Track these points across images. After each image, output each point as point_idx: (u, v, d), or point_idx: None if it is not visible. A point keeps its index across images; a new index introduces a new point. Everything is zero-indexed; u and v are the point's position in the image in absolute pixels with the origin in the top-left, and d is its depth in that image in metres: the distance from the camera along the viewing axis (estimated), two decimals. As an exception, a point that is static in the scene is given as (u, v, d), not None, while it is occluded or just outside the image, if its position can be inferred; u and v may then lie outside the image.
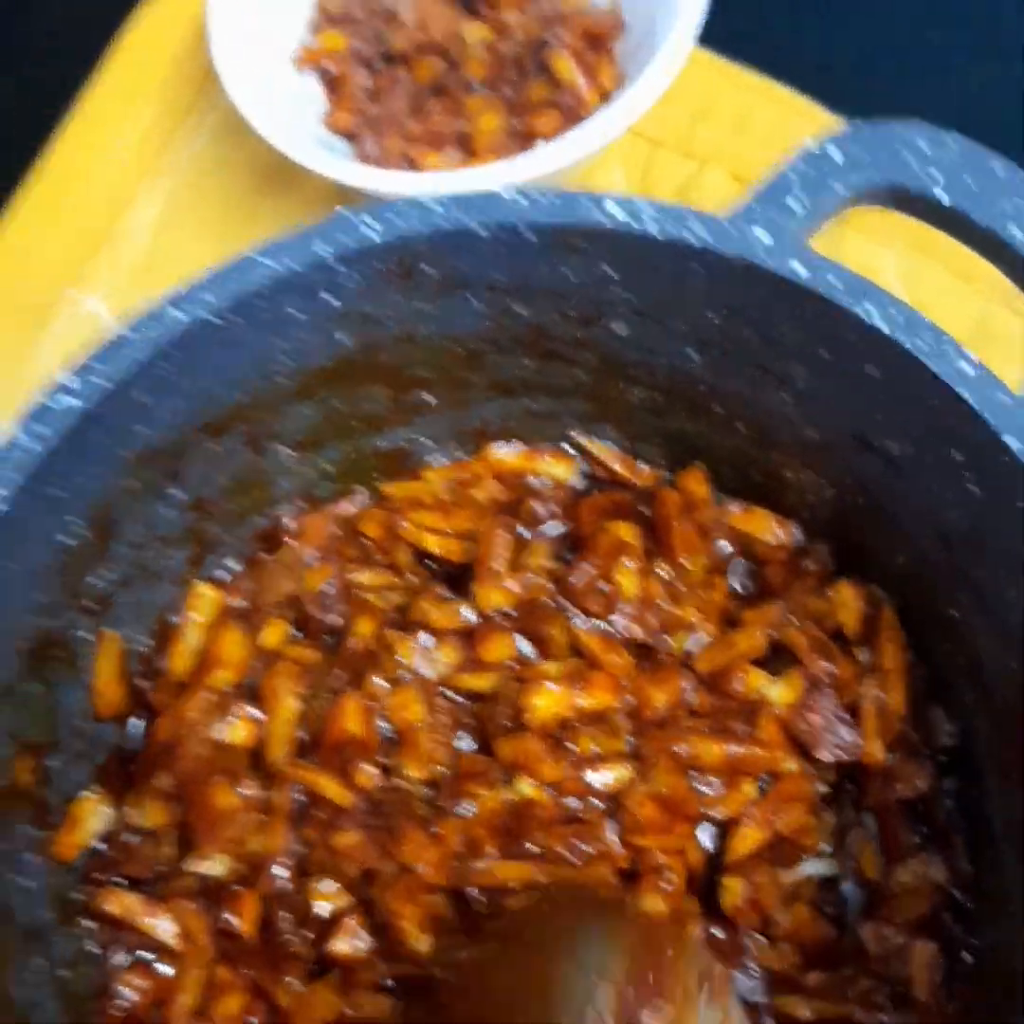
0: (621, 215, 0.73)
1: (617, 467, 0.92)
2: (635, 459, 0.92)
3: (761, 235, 0.71)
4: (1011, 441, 0.66)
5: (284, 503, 0.91)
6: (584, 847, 0.74)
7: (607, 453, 0.92)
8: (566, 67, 1.01)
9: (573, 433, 0.93)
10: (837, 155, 0.75)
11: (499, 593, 0.83)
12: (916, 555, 0.81)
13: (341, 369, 0.83)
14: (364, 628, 0.83)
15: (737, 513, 0.88)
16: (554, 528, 0.88)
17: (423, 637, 0.82)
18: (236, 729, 0.80)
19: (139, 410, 0.75)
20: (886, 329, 0.69)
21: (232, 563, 0.91)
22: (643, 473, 0.92)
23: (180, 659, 0.87)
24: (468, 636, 0.82)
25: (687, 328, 0.79)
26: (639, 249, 0.73)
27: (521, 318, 0.82)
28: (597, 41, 1.05)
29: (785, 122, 1.13)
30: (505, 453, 0.93)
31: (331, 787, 0.76)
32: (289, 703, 0.80)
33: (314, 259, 0.73)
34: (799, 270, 0.70)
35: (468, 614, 0.83)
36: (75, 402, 0.71)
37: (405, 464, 0.94)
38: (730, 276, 0.73)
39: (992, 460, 0.68)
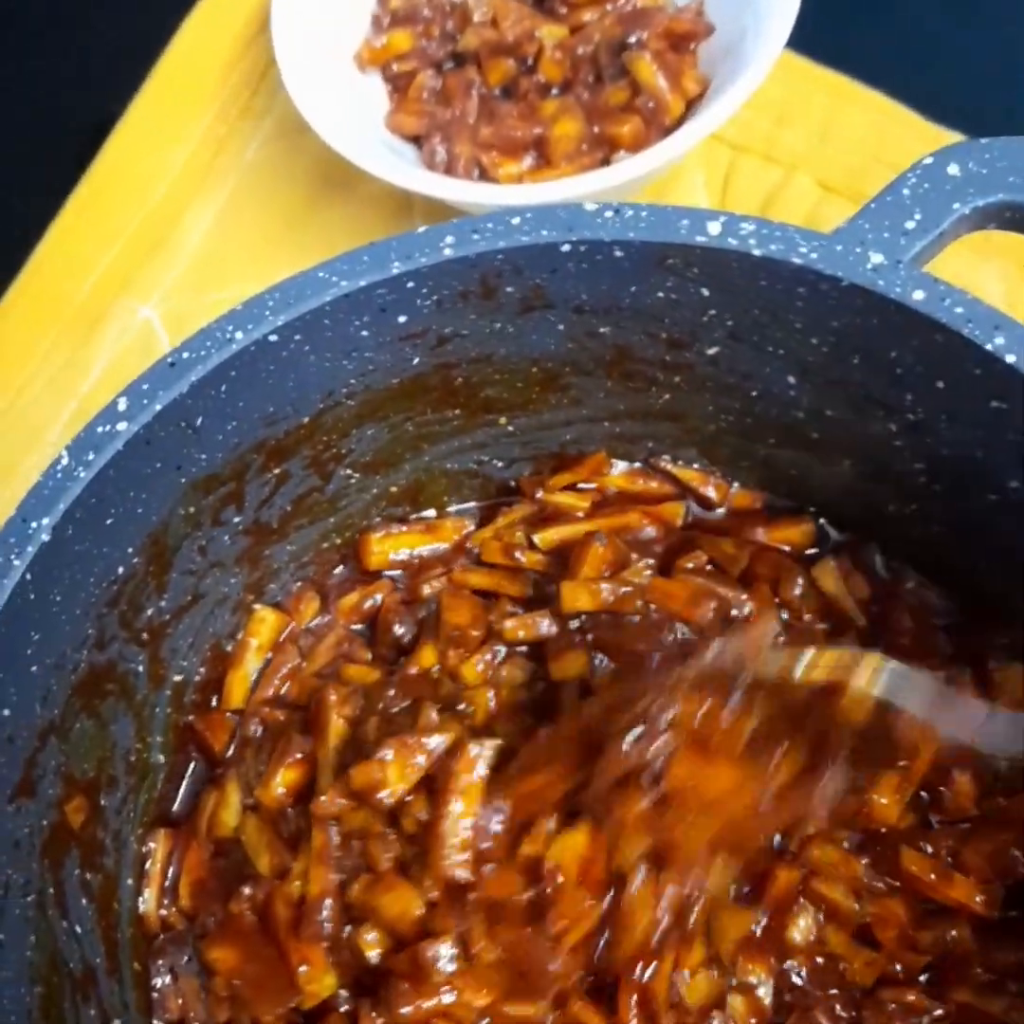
0: (718, 232, 0.67)
1: (708, 491, 0.86)
2: (726, 483, 0.87)
3: (873, 256, 0.66)
4: None
5: (348, 525, 0.87)
6: None
7: (694, 476, 0.87)
8: (647, 70, 0.95)
9: (658, 457, 0.87)
10: (956, 170, 0.69)
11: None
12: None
13: (412, 390, 0.78)
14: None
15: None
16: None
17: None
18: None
19: (195, 434, 0.70)
20: (1016, 362, 0.63)
21: (294, 586, 0.87)
22: (735, 495, 0.87)
23: (239, 686, 0.84)
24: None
25: (787, 352, 0.73)
26: (738, 269, 0.68)
27: (606, 339, 0.76)
28: (680, 42, 0.98)
29: (875, 128, 1.07)
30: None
31: None
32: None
33: (388, 278, 0.68)
34: (916, 296, 0.65)
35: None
36: (127, 426, 0.66)
37: (473, 484, 0.89)
38: (838, 300, 0.67)
39: None
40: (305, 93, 0.96)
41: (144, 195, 1.12)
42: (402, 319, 0.72)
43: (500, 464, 0.88)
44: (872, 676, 0.64)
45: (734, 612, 0.79)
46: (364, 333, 0.72)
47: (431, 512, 0.89)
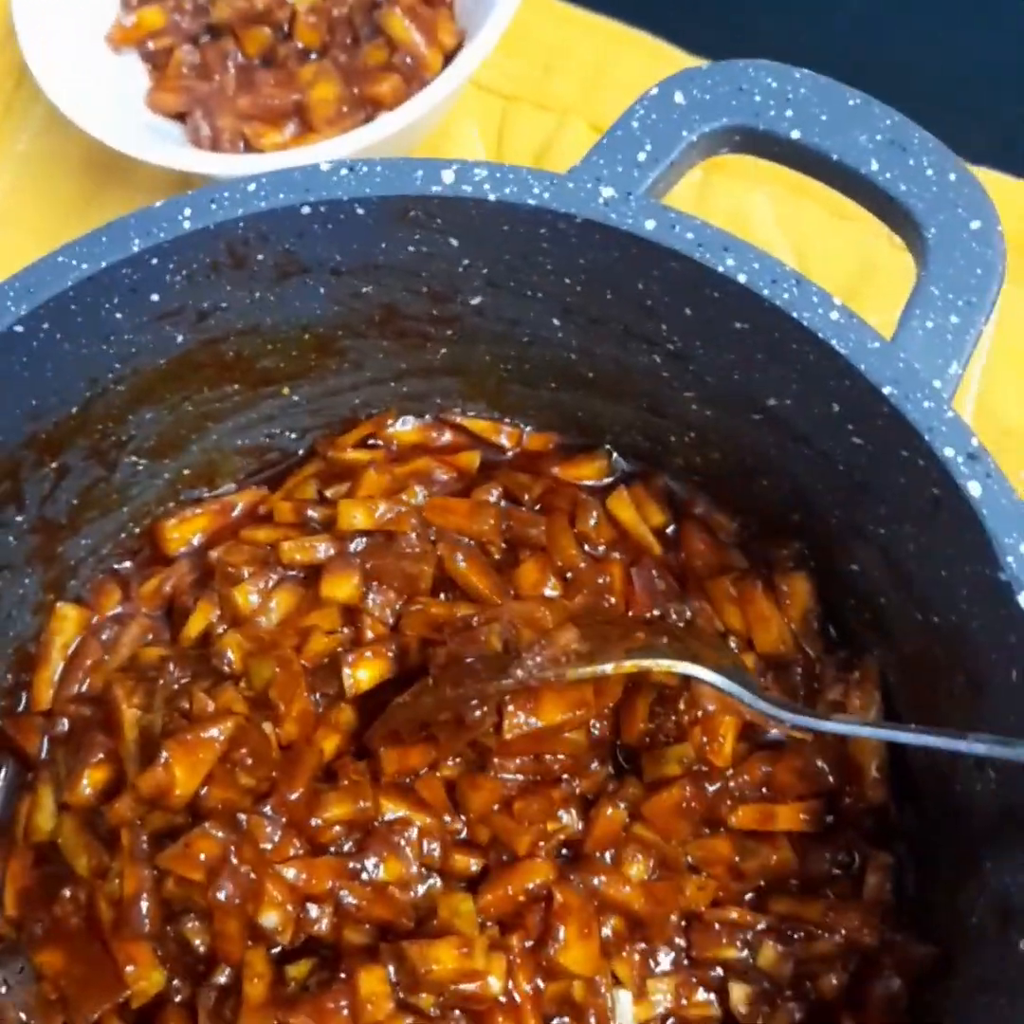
0: (452, 179, 0.67)
1: (501, 439, 0.87)
2: (517, 430, 0.88)
3: (605, 191, 0.67)
4: (887, 389, 0.63)
5: (144, 513, 0.86)
6: None
7: (484, 426, 0.88)
8: (400, 26, 0.95)
9: (448, 412, 0.88)
10: (680, 98, 0.70)
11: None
12: (812, 513, 0.77)
13: (182, 369, 0.77)
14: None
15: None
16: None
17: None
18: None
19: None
20: (747, 281, 0.65)
21: (98, 579, 0.86)
22: (528, 439, 0.89)
23: (46, 686, 0.82)
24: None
25: (546, 295, 0.74)
26: (478, 215, 0.68)
27: (370, 298, 0.76)
28: (431, -4, 0.98)
29: (646, 69, 1.08)
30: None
31: None
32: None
33: (130, 256, 0.67)
34: (647, 225, 0.66)
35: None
36: None
37: (268, 458, 0.88)
38: (577, 237, 0.68)
39: (870, 410, 0.64)
40: (59, 81, 0.94)
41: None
42: (155, 297, 0.71)
43: (293, 435, 0.88)
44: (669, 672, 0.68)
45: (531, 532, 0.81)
46: (118, 315, 0.70)
47: (230, 486, 0.88)
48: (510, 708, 0.69)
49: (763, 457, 0.77)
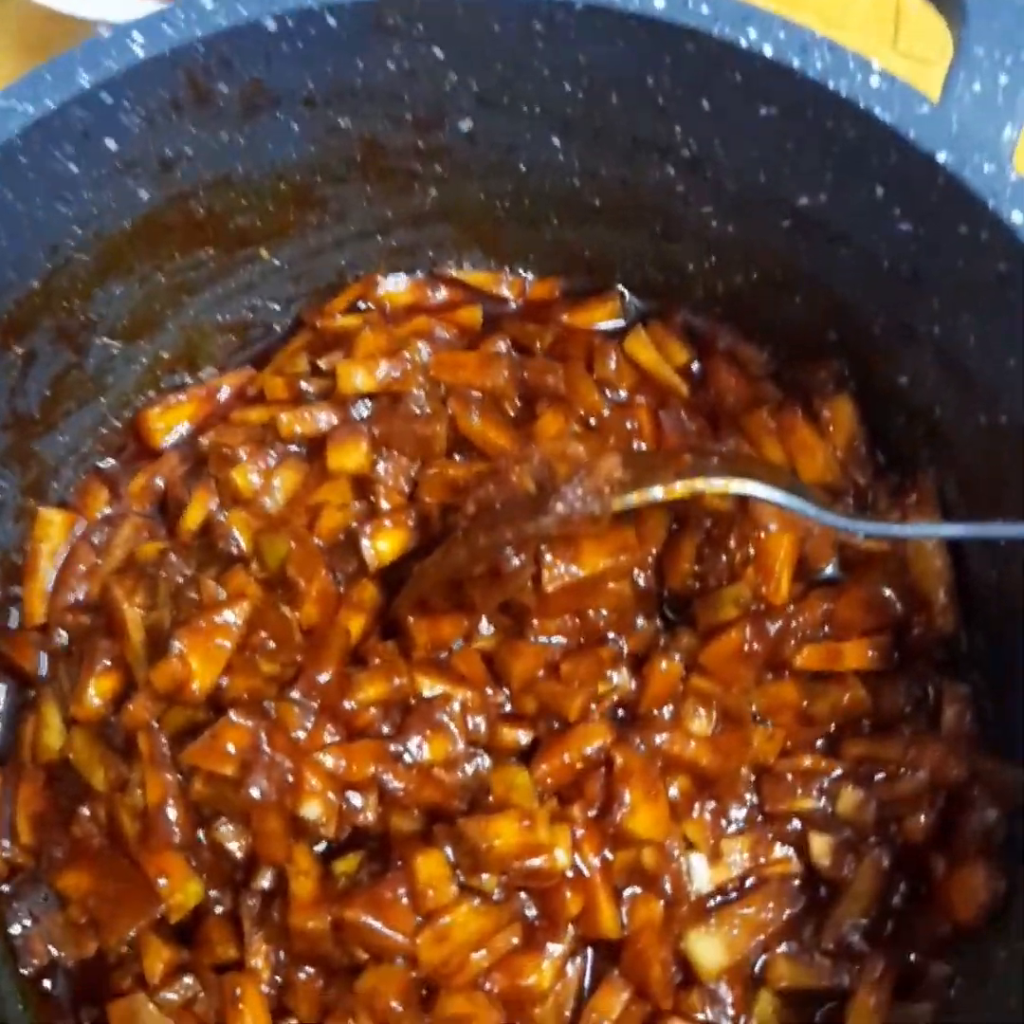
0: (436, -28, 0.60)
1: (502, 290, 0.81)
2: (520, 279, 0.81)
3: (607, -32, 0.59)
4: (942, 156, 0.56)
5: (124, 403, 0.79)
6: None
7: (483, 278, 0.81)
8: None
9: (442, 266, 0.81)
10: None
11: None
12: (852, 326, 0.71)
13: (151, 232, 0.70)
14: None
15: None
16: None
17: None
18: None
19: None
20: (773, 54, 0.58)
21: (81, 480, 0.79)
22: (531, 288, 0.82)
23: (38, 599, 0.76)
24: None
25: (543, 109, 0.67)
26: (465, 14, 0.61)
27: (349, 134, 0.69)
28: None
29: None
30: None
31: None
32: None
33: (80, 93, 0.60)
34: (656, 3, 0.59)
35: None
36: None
37: (252, 334, 0.81)
38: (577, 29, 0.61)
39: (922, 185, 0.58)
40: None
41: None
42: (111, 144, 0.63)
43: (276, 306, 0.81)
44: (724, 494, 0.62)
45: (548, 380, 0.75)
46: (72, 167, 0.63)
47: (214, 370, 0.81)
48: (548, 558, 0.63)
49: (794, 271, 0.70)
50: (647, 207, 0.73)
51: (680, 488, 0.59)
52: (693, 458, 0.62)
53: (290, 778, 0.62)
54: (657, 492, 0.59)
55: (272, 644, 0.65)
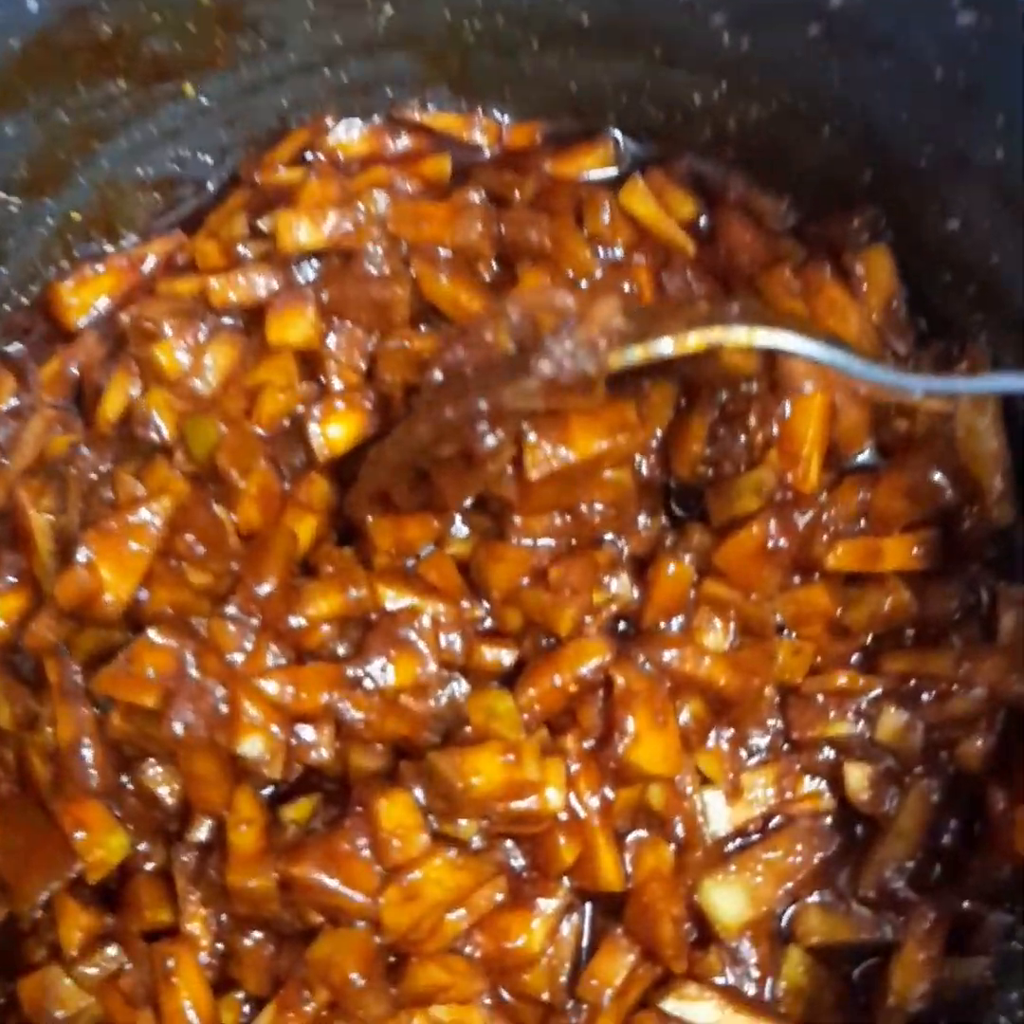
0: None
1: (475, 136, 0.70)
2: (496, 122, 0.70)
3: None
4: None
5: (30, 275, 0.67)
6: None
7: (451, 121, 0.69)
8: None
9: (402, 108, 0.69)
10: None
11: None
12: (891, 160, 0.60)
13: (46, 57, 0.58)
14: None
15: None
16: None
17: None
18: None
19: None
20: None
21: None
22: (509, 132, 0.71)
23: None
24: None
25: None
26: None
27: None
28: None
29: None
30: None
31: None
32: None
33: None
34: None
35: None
36: None
37: (180, 193, 0.70)
38: None
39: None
40: None
41: None
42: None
43: (208, 159, 0.69)
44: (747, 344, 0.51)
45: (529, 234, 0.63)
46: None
47: (135, 238, 0.70)
48: (531, 438, 0.52)
49: (822, 96, 0.60)
50: (645, 23, 0.61)
51: (694, 340, 0.48)
52: (709, 306, 0.50)
53: (224, 708, 0.52)
54: (665, 345, 0.48)
55: (202, 549, 0.55)
